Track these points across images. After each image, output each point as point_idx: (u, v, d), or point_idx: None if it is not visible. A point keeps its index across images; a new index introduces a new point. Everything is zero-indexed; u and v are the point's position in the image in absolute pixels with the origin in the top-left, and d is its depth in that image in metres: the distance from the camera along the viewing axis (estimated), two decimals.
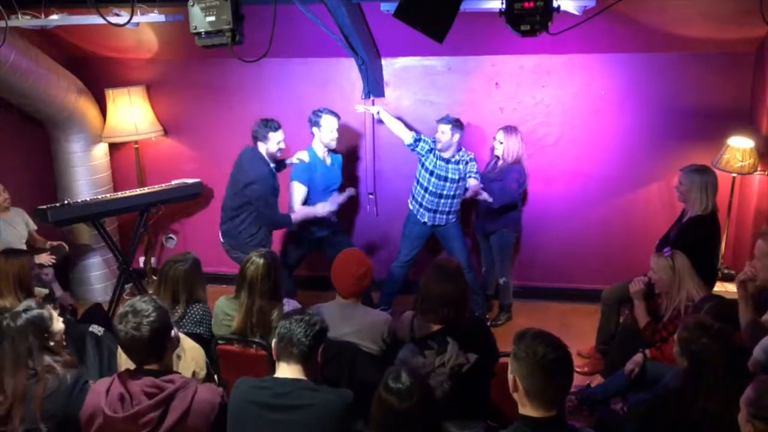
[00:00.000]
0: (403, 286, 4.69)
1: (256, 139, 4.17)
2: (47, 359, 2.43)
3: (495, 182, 4.45)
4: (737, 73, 4.42)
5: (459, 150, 4.42)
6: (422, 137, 4.51)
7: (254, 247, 4.11)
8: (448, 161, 4.40)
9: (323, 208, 4.30)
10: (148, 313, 2.20)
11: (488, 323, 4.66)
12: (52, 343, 2.51)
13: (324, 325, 2.33)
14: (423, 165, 4.48)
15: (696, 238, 3.68)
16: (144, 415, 2.11)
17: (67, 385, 2.39)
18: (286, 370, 2.24)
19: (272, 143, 4.14)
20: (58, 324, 2.59)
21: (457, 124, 4.33)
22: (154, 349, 2.23)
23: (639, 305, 3.53)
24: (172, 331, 2.31)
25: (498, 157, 4.50)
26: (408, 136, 4.50)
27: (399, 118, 4.65)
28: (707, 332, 2.44)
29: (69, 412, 2.32)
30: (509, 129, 4.44)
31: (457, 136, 4.34)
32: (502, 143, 4.43)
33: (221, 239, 4.35)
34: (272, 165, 4.23)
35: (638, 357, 3.24)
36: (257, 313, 2.97)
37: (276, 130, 4.14)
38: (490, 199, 4.30)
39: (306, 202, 4.41)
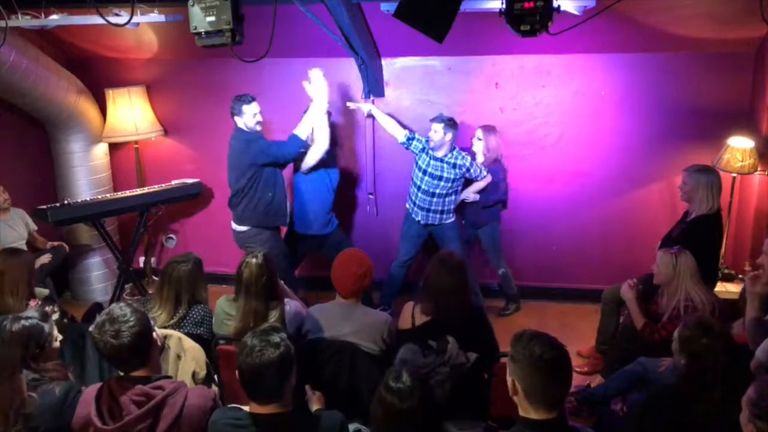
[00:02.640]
0: (403, 286, 4.69)
1: (233, 115, 4.20)
2: (30, 374, 2.33)
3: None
4: (737, 73, 4.42)
5: (452, 149, 4.42)
6: (416, 136, 4.52)
7: (275, 213, 4.24)
8: (442, 160, 4.40)
9: (316, 105, 4.19)
10: (127, 319, 2.13)
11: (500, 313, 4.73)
12: (40, 356, 2.42)
13: (288, 349, 2.09)
14: (417, 164, 4.51)
15: (701, 237, 3.69)
16: (134, 426, 2.08)
17: (55, 399, 2.29)
18: (260, 409, 2.10)
19: (247, 116, 4.14)
20: (56, 342, 2.52)
21: (450, 123, 4.33)
22: (137, 356, 2.17)
23: (633, 308, 3.52)
24: (154, 334, 2.25)
25: (474, 154, 4.55)
26: (401, 134, 4.53)
27: (391, 116, 4.68)
28: (708, 333, 2.43)
29: (59, 426, 2.24)
30: (489, 128, 4.51)
31: (449, 136, 4.33)
32: (480, 140, 4.48)
33: (239, 230, 4.33)
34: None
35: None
36: (254, 315, 2.96)
37: (249, 102, 4.14)
38: (476, 198, 4.59)
39: (306, 201, 4.42)
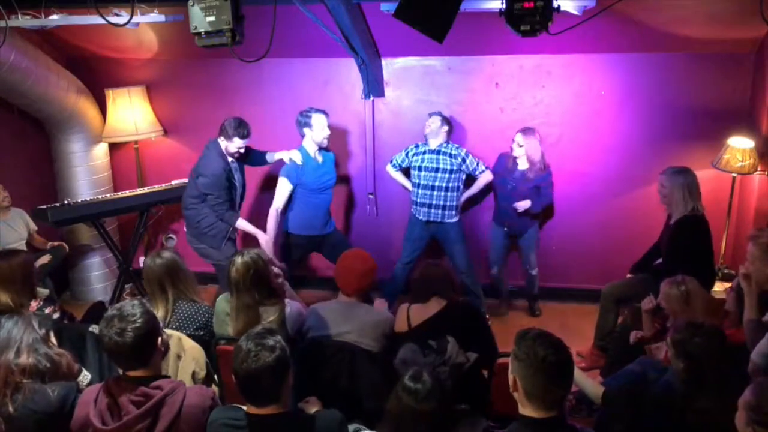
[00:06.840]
0: (405, 286, 4.69)
1: (221, 131, 4.18)
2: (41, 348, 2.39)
3: (532, 187, 4.48)
4: (737, 73, 4.42)
5: (447, 142, 4.50)
6: (395, 159, 4.68)
7: (214, 237, 4.18)
8: (438, 152, 4.46)
9: (263, 238, 4.25)
10: (135, 319, 2.12)
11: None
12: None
13: (284, 352, 2.06)
14: (412, 167, 4.59)
15: (686, 240, 3.68)
16: (133, 426, 2.07)
17: (53, 406, 2.28)
18: (257, 410, 2.08)
19: (233, 146, 4.15)
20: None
21: (447, 119, 4.50)
22: (138, 356, 2.16)
23: (646, 319, 3.46)
24: (160, 338, 2.24)
25: (515, 158, 4.46)
26: (404, 180, 4.72)
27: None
28: (699, 331, 2.41)
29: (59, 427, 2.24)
30: (528, 130, 4.40)
31: (445, 128, 4.46)
32: (522, 146, 4.37)
33: (185, 231, 4.37)
34: (231, 160, 4.22)
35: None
36: (245, 310, 2.94)
37: (243, 137, 4.12)
38: (528, 205, 4.44)
39: (304, 203, 4.40)
